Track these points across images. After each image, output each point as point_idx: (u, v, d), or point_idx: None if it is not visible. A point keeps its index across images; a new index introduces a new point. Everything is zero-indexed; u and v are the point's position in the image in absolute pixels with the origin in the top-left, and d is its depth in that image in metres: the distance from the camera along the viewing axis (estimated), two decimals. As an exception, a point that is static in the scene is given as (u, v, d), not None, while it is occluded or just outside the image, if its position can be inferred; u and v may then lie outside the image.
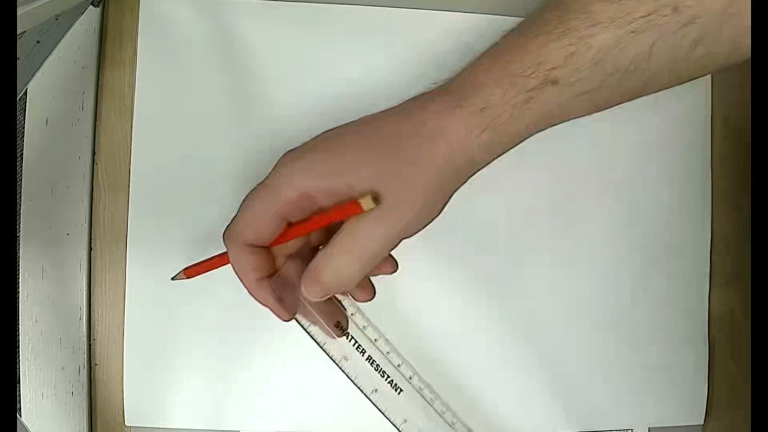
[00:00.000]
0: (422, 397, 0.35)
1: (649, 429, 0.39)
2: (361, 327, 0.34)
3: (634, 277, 0.39)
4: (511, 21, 0.39)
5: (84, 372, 0.38)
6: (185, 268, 0.33)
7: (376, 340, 0.35)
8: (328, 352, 0.34)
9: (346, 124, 0.29)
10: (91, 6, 0.37)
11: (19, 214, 0.37)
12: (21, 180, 0.37)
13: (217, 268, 0.32)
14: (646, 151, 0.40)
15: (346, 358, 0.34)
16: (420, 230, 0.28)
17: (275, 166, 0.28)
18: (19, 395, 0.36)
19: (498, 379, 0.39)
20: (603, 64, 0.25)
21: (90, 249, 0.38)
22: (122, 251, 0.38)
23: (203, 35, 0.38)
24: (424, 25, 0.39)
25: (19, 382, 0.36)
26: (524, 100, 0.26)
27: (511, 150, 0.28)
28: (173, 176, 0.38)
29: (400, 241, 0.28)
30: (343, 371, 0.34)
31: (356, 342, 0.34)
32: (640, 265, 0.39)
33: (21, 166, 0.37)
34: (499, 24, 0.39)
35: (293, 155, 0.28)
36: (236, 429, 0.38)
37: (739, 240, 0.40)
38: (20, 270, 0.37)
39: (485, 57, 0.28)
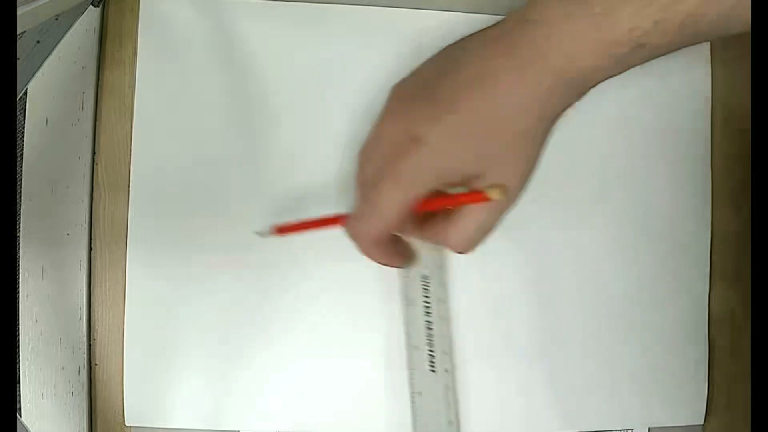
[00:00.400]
0: (446, 395, 0.37)
1: (649, 429, 0.39)
2: (438, 298, 0.37)
3: (633, 277, 0.39)
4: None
5: (84, 372, 0.38)
6: (277, 226, 0.34)
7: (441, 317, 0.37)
8: (404, 288, 0.37)
9: (429, 103, 0.29)
10: (91, 6, 0.37)
11: (19, 214, 0.37)
12: (21, 180, 0.37)
13: (310, 230, 0.34)
14: (646, 151, 0.40)
15: (412, 303, 0.37)
16: None
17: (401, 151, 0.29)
18: (19, 395, 0.36)
19: (497, 379, 0.39)
20: (686, 29, 0.26)
21: (90, 249, 0.38)
22: (122, 251, 0.38)
23: (203, 35, 0.38)
24: (424, 25, 0.39)
25: (19, 382, 0.36)
26: (613, 63, 0.27)
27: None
28: (173, 176, 0.38)
29: None
30: (404, 311, 0.37)
31: (428, 304, 0.36)
32: (639, 265, 0.39)
33: (21, 166, 0.37)
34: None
35: (420, 155, 0.29)
36: (236, 429, 0.38)
37: (739, 240, 0.40)
38: (20, 270, 0.37)
39: (569, 21, 0.27)
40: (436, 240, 0.32)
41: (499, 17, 0.38)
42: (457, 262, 0.38)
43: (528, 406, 0.39)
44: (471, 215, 0.30)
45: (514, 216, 0.39)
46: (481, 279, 0.38)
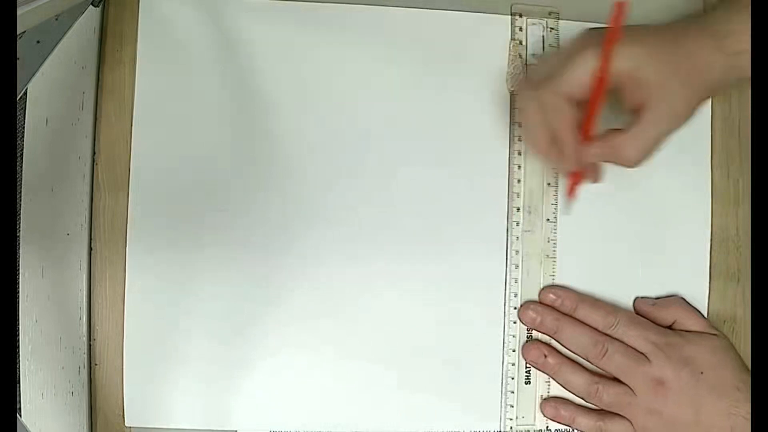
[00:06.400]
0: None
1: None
2: None
3: (633, 277, 0.39)
4: (511, 20, 0.39)
5: (84, 372, 0.38)
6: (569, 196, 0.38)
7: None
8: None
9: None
10: (91, 6, 0.37)
11: (19, 214, 0.37)
12: (21, 180, 0.37)
13: (578, 184, 0.37)
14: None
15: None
16: None
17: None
18: (19, 395, 0.36)
19: (495, 380, 0.39)
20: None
21: (90, 249, 0.38)
22: (122, 251, 0.38)
23: (203, 35, 0.38)
24: (423, 24, 0.39)
25: (19, 382, 0.36)
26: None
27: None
28: (173, 176, 0.38)
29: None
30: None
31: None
32: (640, 264, 0.39)
33: (21, 166, 0.37)
34: (499, 23, 0.39)
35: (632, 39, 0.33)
36: (235, 429, 0.38)
37: (739, 239, 0.40)
38: (20, 270, 0.37)
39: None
40: (608, 154, 0.35)
41: (500, 16, 0.39)
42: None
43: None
44: (650, 128, 0.33)
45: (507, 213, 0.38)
46: (483, 279, 0.39)
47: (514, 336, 0.39)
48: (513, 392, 0.38)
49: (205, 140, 0.38)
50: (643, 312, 0.39)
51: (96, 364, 0.38)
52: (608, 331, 0.37)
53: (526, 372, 0.39)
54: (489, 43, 0.39)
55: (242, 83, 0.38)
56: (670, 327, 0.38)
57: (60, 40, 0.35)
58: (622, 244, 0.39)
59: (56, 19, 0.34)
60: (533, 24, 0.39)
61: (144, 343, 0.38)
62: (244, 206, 0.38)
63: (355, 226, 0.38)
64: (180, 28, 0.38)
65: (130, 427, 0.38)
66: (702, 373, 0.36)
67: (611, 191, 0.39)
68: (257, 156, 0.38)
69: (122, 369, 0.38)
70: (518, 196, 0.39)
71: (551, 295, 0.39)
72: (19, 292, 0.36)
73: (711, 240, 0.40)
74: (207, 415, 0.38)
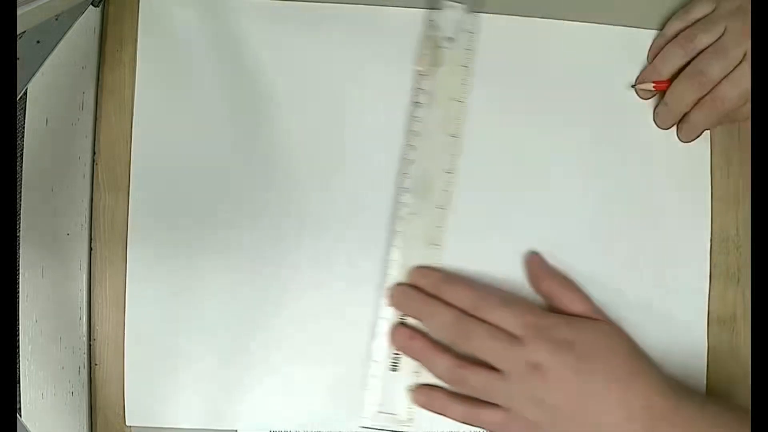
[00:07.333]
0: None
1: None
2: None
3: (633, 277, 0.39)
4: (511, 19, 0.39)
5: (84, 372, 0.38)
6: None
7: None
8: None
9: None
10: (91, 6, 0.37)
11: (19, 214, 0.37)
12: (21, 180, 0.37)
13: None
14: (645, 151, 0.40)
15: None
16: None
17: None
18: (19, 395, 0.36)
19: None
20: None
21: (90, 249, 0.38)
22: (122, 251, 0.38)
23: (203, 35, 0.38)
24: (423, 24, 0.39)
25: (19, 382, 0.36)
26: None
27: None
28: (173, 176, 0.38)
29: None
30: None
31: None
32: (639, 265, 0.39)
33: (21, 166, 0.37)
34: (500, 23, 0.39)
35: None
36: (235, 429, 0.38)
37: (739, 239, 0.40)
38: (20, 270, 0.37)
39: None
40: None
41: (500, 16, 0.39)
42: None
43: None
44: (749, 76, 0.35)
45: (510, 215, 0.39)
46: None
47: (386, 319, 0.37)
48: (376, 377, 0.37)
49: (205, 140, 0.38)
50: (528, 270, 0.37)
51: (96, 364, 0.38)
52: (477, 313, 0.34)
53: (393, 357, 0.37)
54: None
55: (242, 83, 0.38)
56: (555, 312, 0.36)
57: (60, 40, 0.35)
58: (622, 243, 0.39)
59: (56, 19, 0.34)
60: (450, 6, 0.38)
61: (144, 342, 0.38)
62: (244, 206, 0.38)
63: (358, 229, 0.38)
64: (180, 28, 0.38)
65: (130, 427, 0.38)
66: (586, 358, 0.33)
67: (611, 191, 0.39)
68: (258, 155, 0.38)
69: (122, 369, 0.38)
70: (408, 177, 0.37)
71: (418, 275, 0.36)
72: (19, 292, 0.37)
73: (711, 240, 0.40)
74: (207, 415, 0.38)
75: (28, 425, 0.32)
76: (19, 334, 0.37)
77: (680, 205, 0.40)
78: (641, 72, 0.39)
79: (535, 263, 0.38)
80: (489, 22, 0.39)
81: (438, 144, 0.38)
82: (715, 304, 0.40)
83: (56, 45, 0.35)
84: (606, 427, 0.33)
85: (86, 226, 0.38)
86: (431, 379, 0.36)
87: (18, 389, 0.36)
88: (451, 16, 0.38)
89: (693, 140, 0.39)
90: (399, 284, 0.37)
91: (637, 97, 0.39)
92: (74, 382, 0.37)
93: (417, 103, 0.38)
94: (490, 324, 0.34)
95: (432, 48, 0.38)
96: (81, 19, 0.36)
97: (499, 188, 0.39)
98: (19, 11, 0.26)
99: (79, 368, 0.38)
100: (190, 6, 0.38)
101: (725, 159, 0.40)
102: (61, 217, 0.37)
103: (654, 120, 0.39)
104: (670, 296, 0.39)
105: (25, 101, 0.37)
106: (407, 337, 0.36)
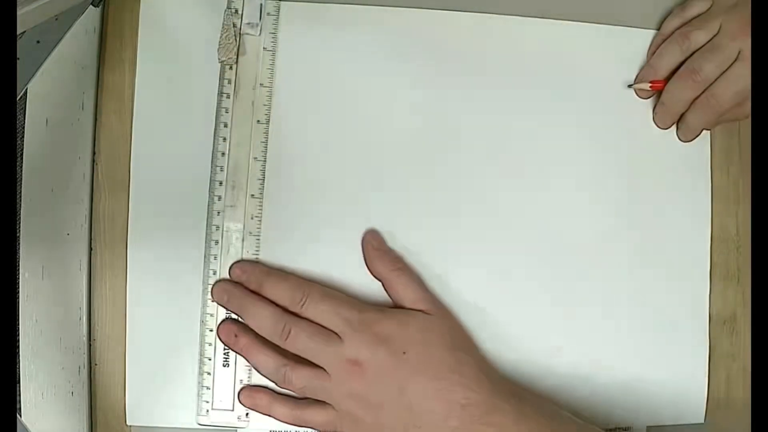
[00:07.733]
0: None
1: (647, 428, 0.39)
2: None
3: (633, 276, 0.39)
4: (510, 20, 0.39)
5: (84, 372, 0.38)
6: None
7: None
8: None
9: None
10: (91, 6, 0.37)
11: (19, 214, 0.37)
12: (21, 180, 0.37)
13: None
14: (645, 151, 0.40)
15: None
16: None
17: None
18: (19, 395, 0.36)
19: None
20: None
21: (90, 249, 0.38)
22: (122, 251, 0.38)
23: (203, 35, 0.38)
24: (425, 24, 0.39)
25: (19, 382, 0.36)
26: None
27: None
28: (173, 176, 0.38)
29: None
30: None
31: None
32: (639, 264, 0.39)
33: (21, 166, 0.37)
34: (499, 23, 0.39)
35: None
36: (235, 429, 0.38)
37: (739, 239, 0.40)
38: (20, 270, 0.37)
39: None
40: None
41: (500, 16, 0.39)
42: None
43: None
44: (744, 74, 0.35)
45: (511, 214, 0.39)
46: (483, 279, 0.39)
47: (212, 315, 0.37)
48: (210, 374, 0.37)
49: (204, 140, 0.38)
50: (363, 251, 0.37)
51: (96, 364, 0.38)
52: (296, 309, 0.34)
53: (224, 354, 0.37)
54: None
55: (242, 83, 0.38)
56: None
57: (60, 40, 0.35)
58: (622, 244, 0.39)
59: (56, 19, 0.34)
60: None
61: (144, 342, 0.38)
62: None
63: (356, 229, 0.38)
64: (180, 28, 0.38)
65: (130, 427, 0.38)
66: (405, 353, 0.33)
67: (611, 191, 0.39)
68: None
69: (122, 369, 0.38)
70: (221, 169, 0.37)
71: (238, 271, 0.36)
72: (19, 292, 0.37)
73: (711, 240, 0.40)
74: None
75: (28, 425, 0.32)
76: (19, 334, 0.37)
77: (680, 205, 0.40)
78: (639, 71, 0.39)
79: (369, 244, 0.37)
80: (489, 22, 0.39)
81: (246, 132, 0.37)
82: (715, 304, 0.40)
83: (56, 45, 0.35)
84: (427, 423, 0.32)
85: (86, 226, 0.38)
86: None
87: (18, 389, 0.36)
88: (251, 1, 0.38)
89: (692, 140, 0.39)
90: (220, 281, 0.36)
91: (637, 97, 0.39)
92: (74, 382, 0.37)
93: (223, 93, 0.37)
94: (310, 321, 0.34)
95: (234, 36, 0.37)
96: (81, 19, 0.36)
97: (499, 188, 0.39)
98: (19, 11, 0.26)
99: (79, 368, 0.38)
100: (190, 6, 0.38)
101: (725, 159, 0.40)
102: (61, 217, 0.37)
103: (653, 120, 0.39)
104: (670, 296, 0.40)
105: (25, 101, 0.37)
106: (233, 334, 0.35)
